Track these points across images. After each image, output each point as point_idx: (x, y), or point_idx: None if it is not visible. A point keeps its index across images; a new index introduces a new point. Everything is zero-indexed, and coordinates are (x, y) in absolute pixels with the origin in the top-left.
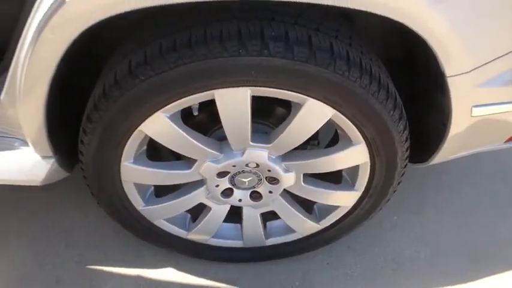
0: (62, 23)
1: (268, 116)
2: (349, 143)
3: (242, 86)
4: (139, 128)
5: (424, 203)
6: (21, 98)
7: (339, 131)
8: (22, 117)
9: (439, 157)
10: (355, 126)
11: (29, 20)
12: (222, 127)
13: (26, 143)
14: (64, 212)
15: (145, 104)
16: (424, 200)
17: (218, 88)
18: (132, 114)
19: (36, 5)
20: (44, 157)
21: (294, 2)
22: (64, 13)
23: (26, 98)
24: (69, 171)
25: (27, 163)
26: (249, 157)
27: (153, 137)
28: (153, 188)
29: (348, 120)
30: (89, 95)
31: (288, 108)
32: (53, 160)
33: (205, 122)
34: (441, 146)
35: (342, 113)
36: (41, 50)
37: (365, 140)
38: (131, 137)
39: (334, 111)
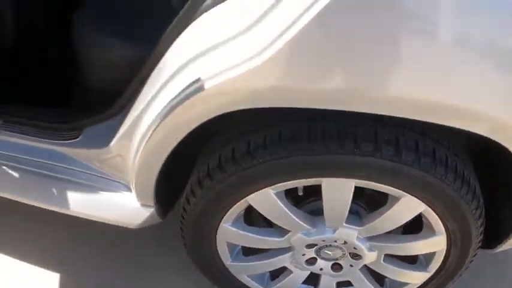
0: (201, 104)
1: (361, 197)
2: (432, 233)
3: (350, 178)
4: (246, 198)
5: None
6: (137, 158)
7: (424, 221)
8: (134, 173)
9: (507, 245)
10: (440, 219)
11: (158, 84)
12: (315, 201)
13: (126, 188)
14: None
15: (258, 181)
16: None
17: (328, 177)
18: (243, 188)
19: (169, 71)
20: (144, 205)
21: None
22: (207, 96)
23: (143, 159)
24: (163, 219)
25: (127, 207)
26: (339, 235)
27: (255, 207)
28: (241, 246)
29: (435, 214)
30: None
31: (379, 193)
32: (152, 209)
33: (303, 196)
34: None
35: (432, 208)
36: (169, 124)
37: (446, 232)
38: (236, 205)
39: (426, 206)
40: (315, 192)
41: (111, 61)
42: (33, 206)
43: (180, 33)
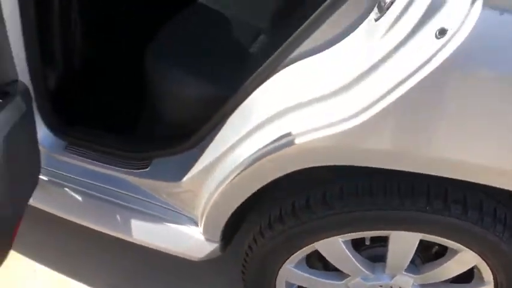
0: (290, 158)
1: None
2: (481, 283)
3: (418, 232)
4: (315, 244)
5: None
6: (213, 198)
7: (475, 271)
8: (206, 211)
9: None
10: (492, 271)
11: (243, 130)
12: (376, 247)
13: (191, 221)
14: None
15: (330, 230)
16: None
17: (397, 230)
18: (314, 235)
19: (256, 119)
20: (208, 239)
21: None
22: (297, 151)
23: (219, 200)
24: (223, 252)
25: (190, 240)
26: (396, 282)
27: (322, 252)
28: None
29: (487, 267)
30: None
31: (436, 244)
32: (216, 244)
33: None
34: None
35: (486, 261)
36: (253, 172)
37: (494, 282)
38: (303, 249)
39: (482, 260)
40: (376, 238)
41: (184, 97)
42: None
43: (266, 79)
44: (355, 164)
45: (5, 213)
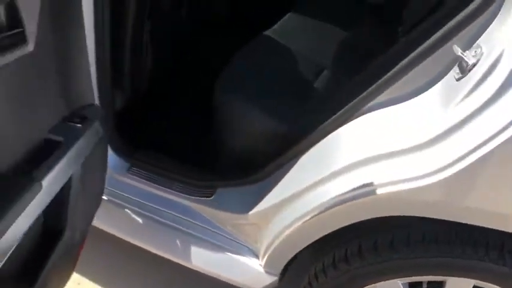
0: (370, 206)
1: None
2: None
3: (473, 278)
4: (375, 284)
5: None
6: (282, 235)
7: None
8: (272, 246)
9: None
10: None
11: (320, 174)
12: None
13: (251, 252)
14: None
15: (393, 273)
16: None
17: (454, 277)
18: (376, 276)
19: (335, 165)
20: (268, 272)
21: None
22: (379, 201)
23: (289, 238)
24: (280, 284)
25: (250, 271)
26: None
27: None
28: None
29: None
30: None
31: None
32: (275, 277)
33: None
34: None
35: None
36: (329, 216)
37: None
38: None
39: None
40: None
41: (250, 130)
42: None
43: (343, 124)
44: (432, 216)
45: (75, 239)
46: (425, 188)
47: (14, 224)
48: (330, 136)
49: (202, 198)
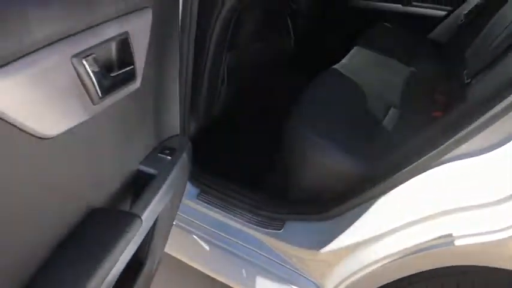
0: (447, 256)
1: None
2: None
3: None
4: None
5: None
6: (355, 276)
7: None
8: (342, 285)
9: None
10: None
11: (397, 221)
12: None
13: (316, 286)
14: None
15: None
16: None
17: None
18: None
19: (414, 214)
20: None
21: None
22: (457, 252)
23: (361, 279)
24: None
25: None
26: None
27: None
28: None
29: None
30: None
31: None
32: None
33: None
34: None
35: None
36: (402, 263)
37: None
38: None
39: None
40: None
41: (324, 168)
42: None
43: (420, 173)
44: (505, 267)
45: (153, 268)
46: (503, 241)
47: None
48: (407, 183)
49: (272, 231)
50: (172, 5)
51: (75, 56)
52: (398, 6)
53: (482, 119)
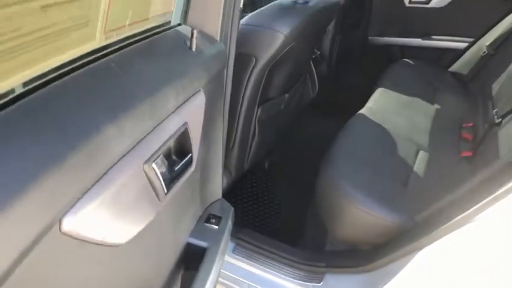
0: None
1: None
2: None
3: None
4: None
5: None
6: None
7: None
8: None
9: None
10: None
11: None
12: None
13: None
14: None
15: None
16: None
17: None
18: None
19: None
20: None
21: None
22: None
23: None
24: None
25: None
26: None
27: None
28: None
29: None
30: None
31: None
32: None
33: None
34: None
35: None
36: None
37: None
38: None
39: None
40: None
41: (360, 219)
42: None
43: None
44: None
45: None
46: None
47: None
48: (448, 236)
49: (311, 284)
50: (220, 80)
51: (146, 162)
52: (418, 40)
53: None
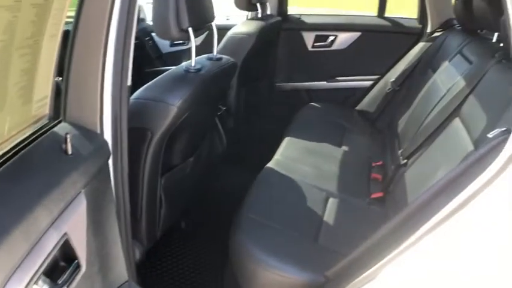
0: None
1: None
2: None
3: None
4: None
5: None
6: None
7: None
8: None
9: None
10: None
11: None
12: None
13: None
14: None
15: None
16: None
17: None
18: None
19: None
20: None
21: None
22: None
23: None
24: None
25: None
26: None
27: None
28: None
29: None
30: None
31: None
32: None
33: None
34: None
35: None
36: None
37: None
38: None
39: None
40: None
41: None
42: None
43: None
44: None
45: None
46: None
47: None
48: None
49: None
50: (104, 173)
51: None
52: (323, 83)
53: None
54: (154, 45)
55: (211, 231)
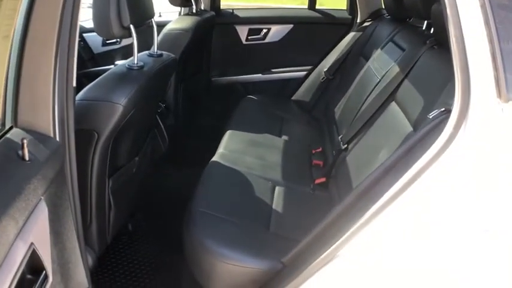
0: None
1: None
2: None
3: None
4: None
5: None
6: None
7: None
8: None
9: None
10: None
11: None
12: None
13: None
14: None
15: None
16: None
17: None
18: None
19: None
20: None
21: None
22: None
23: None
24: None
25: None
26: None
27: None
28: None
29: None
30: None
31: None
32: None
33: None
34: None
35: None
36: None
37: None
38: None
39: None
40: None
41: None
42: None
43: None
44: None
45: None
46: None
47: None
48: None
49: None
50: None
51: None
52: (259, 76)
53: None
54: (86, 46)
55: (161, 230)
